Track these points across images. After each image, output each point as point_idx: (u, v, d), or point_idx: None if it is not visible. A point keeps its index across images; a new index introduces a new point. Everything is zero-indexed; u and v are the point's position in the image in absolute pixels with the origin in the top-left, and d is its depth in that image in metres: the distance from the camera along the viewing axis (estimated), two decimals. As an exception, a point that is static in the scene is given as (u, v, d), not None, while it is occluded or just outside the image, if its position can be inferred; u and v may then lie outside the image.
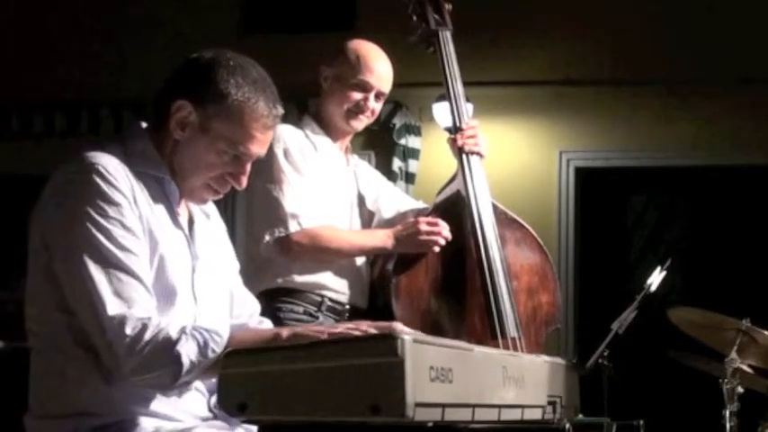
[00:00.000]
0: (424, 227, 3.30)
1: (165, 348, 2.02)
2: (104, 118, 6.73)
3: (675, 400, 5.79)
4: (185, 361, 2.02)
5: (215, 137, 2.21)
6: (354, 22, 6.33)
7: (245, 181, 2.28)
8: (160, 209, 2.21)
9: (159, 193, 2.22)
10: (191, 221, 2.32)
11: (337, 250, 3.30)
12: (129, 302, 2.04)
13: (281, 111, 2.26)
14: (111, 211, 2.08)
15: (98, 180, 2.09)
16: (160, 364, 2.02)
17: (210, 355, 2.03)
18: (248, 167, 2.27)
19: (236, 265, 2.50)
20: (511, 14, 6.37)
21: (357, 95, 3.35)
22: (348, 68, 3.35)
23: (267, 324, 2.53)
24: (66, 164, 2.16)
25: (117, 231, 2.08)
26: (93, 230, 2.07)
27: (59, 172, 2.16)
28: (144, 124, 2.30)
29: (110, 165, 2.12)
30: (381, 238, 3.33)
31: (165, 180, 2.23)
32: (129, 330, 2.02)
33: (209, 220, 2.40)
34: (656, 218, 6.68)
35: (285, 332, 2.14)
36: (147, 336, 2.02)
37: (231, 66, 2.22)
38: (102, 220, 2.07)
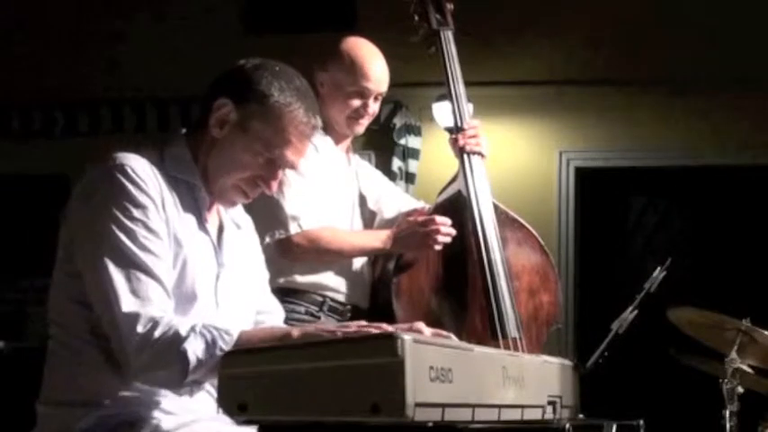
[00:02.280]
0: (420, 228, 3.30)
1: (173, 345, 2.03)
2: (104, 118, 6.72)
3: (675, 400, 5.79)
4: (192, 358, 2.03)
5: (252, 137, 2.23)
6: (355, 21, 6.33)
7: (275, 186, 2.31)
8: (189, 215, 2.23)
9: (190, 200, 2.25)
10: (221, 230, 2.34)
11: (338, 251, 3.30)
12: (144, 301, 2.07)
13: (319, 122, 2.30)
14: (136, 212, 2.11)
15: (125, 181, 2.12)
16: (167, 362, 2.04)
17: (218, 353, 2.03)
18: (280, 173, 2.30)
19: (265, 275, 2.52)
20: (511, 15, 6.37)
21: (356, 102, 3.35)
22: (344, 75, 3.34)
23: None
24: (97, 163, 2.19)
25: (140, 232, 2.10)
26: (117, 230, 2.10)
27: (90, 170, 2.20)
28: (183, 130, 2.34)
29: (138, 166, 2.15)
30: (382, 240, 3.33)
31: (197, 187, 2.26)
32: (140, 328, 2.04)
33: (239, 230, 2.42)
34: (655, 218, 6.68)
35: (296, 332, 2.14)
36: (157, 333, 2.04)
37: (276, 71, 2.26)
38: (126, 221, 2.10)
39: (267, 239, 3.23)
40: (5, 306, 6.18)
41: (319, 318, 3.28)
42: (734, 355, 3.64)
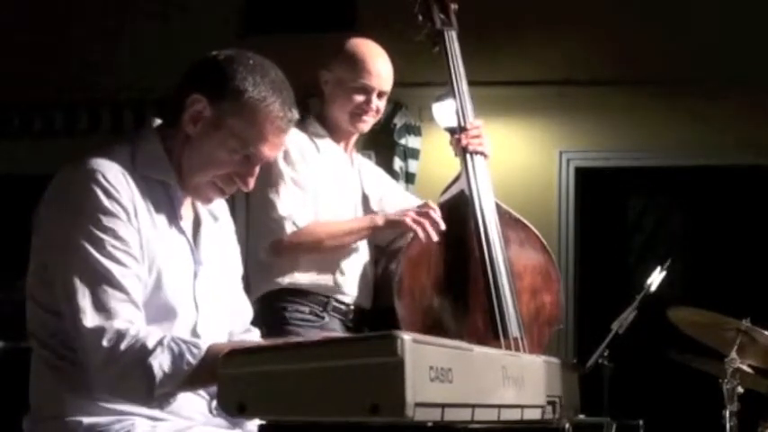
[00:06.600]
0: (411, 214, 3.29)
1: (139, 360, 1.99)
2: (104, 118, 6.72)
3: (675, 400, 5.79)
4: (158, 373, 1.98)
5: (227, 134, 2.18)
6: (355, 21, 6.33)
7: (252, 183, 2.25)
8: (162, 217, 2.19)
9: (163, 199, 2.20)
10: (197, 224, 2.30)
11: (329, 236, 3.25)
12: (110, 314, 2.03)
13: (295, 115, 2.24)
14: (105, 220, 2.07)
15: (97, 190, 2.08)
16: (133, 376, 2.00)
17: (185, 367, 1.99)
18: (257, 169, 2.24)
19: (239, 269, 2.47)
20: (511, 14, 6.37)
21: (359, 98, 3.34)
22: (347, 72, 3.34)
23: (254, 333, 2.49)
24: (69, 166, 2.15)
25: (109, 242, 2.06)
26: (86, 243, 2.06)
27: (61, 175, 2.15)
28: (158, 121, 2.28)
29: (111, 173, 2.10)
30: (370, 218, 3.33)
31: (171, 186, 2.21)
32: (105, 342, 2.00)
33: (217, 222, 2.37)
34: (655, 218, 6.68)
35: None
36: (123, 346, 2.00)
37: (250, 64, 2.20)
38: (96, 231, 2.06)
39: (263, 241, 3.23)
40: (5, 306, 6.18)
41: (323, 318, 3.28)
42: (734, 355, 3.64)
